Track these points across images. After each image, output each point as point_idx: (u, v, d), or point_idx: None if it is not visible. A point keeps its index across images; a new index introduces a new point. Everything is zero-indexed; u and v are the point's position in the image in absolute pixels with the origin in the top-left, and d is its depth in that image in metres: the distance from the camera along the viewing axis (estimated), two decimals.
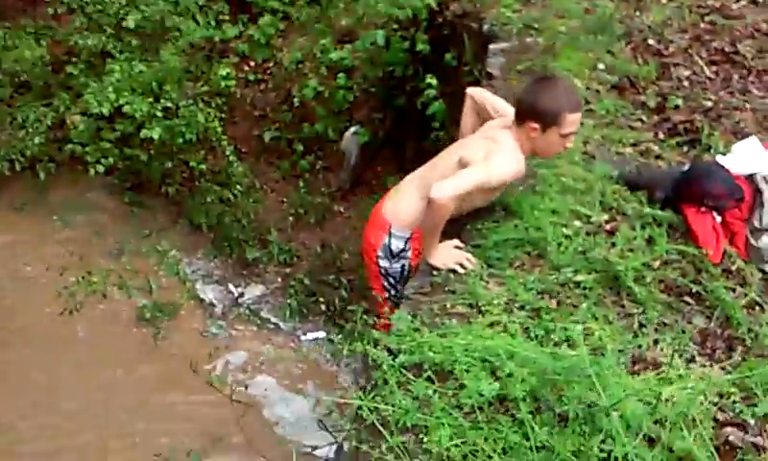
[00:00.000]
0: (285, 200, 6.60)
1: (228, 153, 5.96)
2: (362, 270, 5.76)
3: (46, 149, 5.78)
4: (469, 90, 3.31)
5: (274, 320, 5.51)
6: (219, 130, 5.91)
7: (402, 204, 3.10)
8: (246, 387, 3.97)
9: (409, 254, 3.12)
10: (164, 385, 4.62)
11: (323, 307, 5.62)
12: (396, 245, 3.11)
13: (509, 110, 3.04)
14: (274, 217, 6.40)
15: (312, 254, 6.08)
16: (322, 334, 5.40)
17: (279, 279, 5.93)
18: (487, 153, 2.79)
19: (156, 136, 5.41)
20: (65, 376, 4.60)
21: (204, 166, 6.13)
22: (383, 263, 3.17)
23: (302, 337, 5.35)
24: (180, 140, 5.76)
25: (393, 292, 3.21)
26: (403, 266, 3.15)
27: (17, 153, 5.60)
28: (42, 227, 5.76)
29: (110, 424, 4.32)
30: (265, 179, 6.75)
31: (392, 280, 3.20)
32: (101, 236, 5.79)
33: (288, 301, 5.59)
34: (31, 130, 5.59)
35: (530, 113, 2.76)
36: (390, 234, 3.11)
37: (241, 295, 5.68)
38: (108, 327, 4.98)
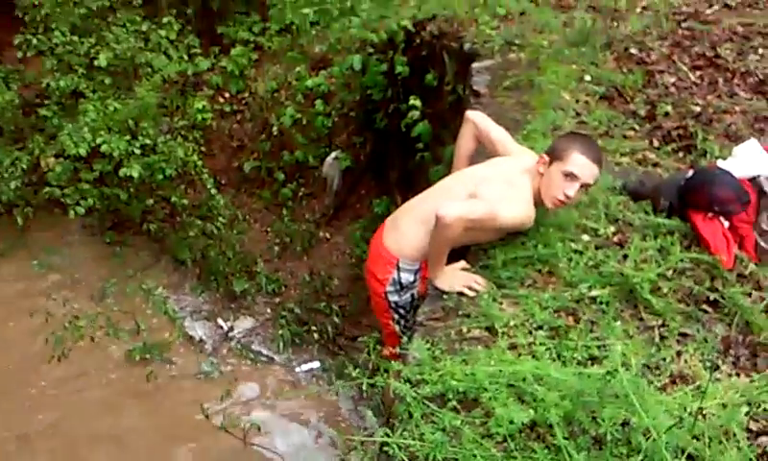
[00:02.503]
0: (269, 229, 6.54)
1: (208, 186, 5.88)
2: (352, 295, 5.74)
3: (22, 193, 5.65)
4: (470, 115, 3.24)
5: (266, 353, 5.41)
6: (199, 163, 5.83)
7: (407, 236, 2.99)
8: (259, 429, 3.83)
9: (417, 283, 3.05)
10: (167, 432, 4.47)
11: (315, 336, 5.52)
12: (407, 278, 3.03)
13: (512, 146, 3.05)
14: (259, 247, 6.33)
15: (300, 282, 6.00)
16: (316, 364, 5.31)
17: (269, 310, 5.83)
18: (501, 196, 2.74)
19: (135, 174, 5.31)
20: (63, 424, 4.44)
21: (185, 201, 6.03)
22: (393, 297, 3.08)
23: (297, 369, 5.24)
24: (160, 176, 5.67)
25: (402, 323, 3.13)
26: (412, 295, 3.07)
27: None
28: (23, 272, 5.63)
29: None
30: (247, 209, 6.69)
31: (402, 312, 3.12)
32: (84, 279, 5.66)
33: (280, 332, 5.49)
34: (6, 174, 5.47)
35: (547, 148, 2.79)
36: (398, 268, 3.02)
37: (231, 329, 5.57)
38: (98, 372, 4.83)
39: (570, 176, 2.66)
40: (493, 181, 2.83)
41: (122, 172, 5.34)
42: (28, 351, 4.78)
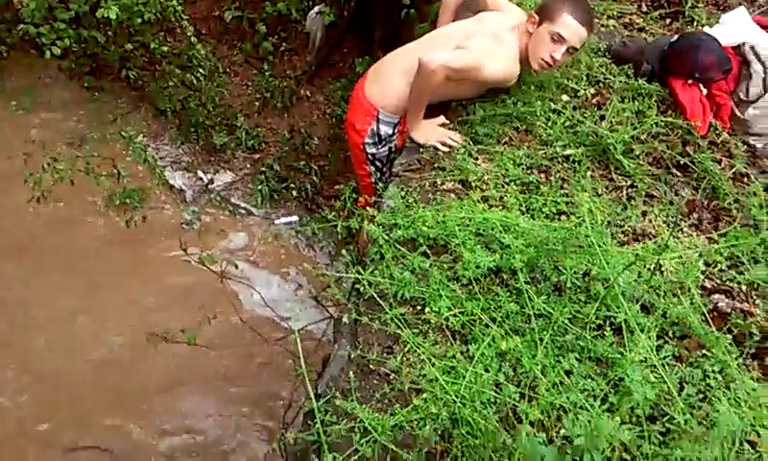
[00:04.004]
0: (250, 84, 6.42)
1: (188, 34, 5.68)
2: (331, 155, 5.75)
3: None
4: None
5: (244, 206, 5.46)
6: (179, 9, 5.61)
7: (390, 87, 2.96)
8: (236, 266, 3.93)
9: (396, 137, 3.06)
10: (148, 268, 4.57)
11: (294, 193, 5.56)
12: (385, 131, 3.03)
13: (502, 1, 2.99)
14: (239, 102, 6.24)
15: (280, 139, 5.96)
16: (295, 218, 5.37)
17: (248, 166, 5.83)
18: (488, 49, 2.71)
19: (113, 16, 5.08)
20: (46, 263, 4.52)
21: (164, 49, 5.85)
22: (370, 150, 3.10)
23: (276, 222, 5.32)
24: (139, 20, 5.45)
25: (378, 175, 3.17)
26: (390, 149, 3.09)
27: None
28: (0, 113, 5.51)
29: (99, 306, 4.28)
30: (228, 62, 6.54)
31: (378, 164, 3.15)
32: (62, 122, 5.57)
33: (259, 187, 5.51)
34: None
35: (537, 7, 2.73)
36: (378, 120, 3.02)
37: (211, 181, 5.58)
38: (79, 213, 4.86)
39: (558, 38, 2.64)
40: (480, 34, 2.79)
41: (99, 13, 5.11)
42: (7, 192, 4.78)
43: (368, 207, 2.84)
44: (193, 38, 5.69)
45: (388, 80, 2.99)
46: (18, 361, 3.96)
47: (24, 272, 4.45)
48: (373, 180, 3.17)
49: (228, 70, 6.42)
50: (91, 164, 4.57)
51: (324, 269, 4.73)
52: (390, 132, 3.05)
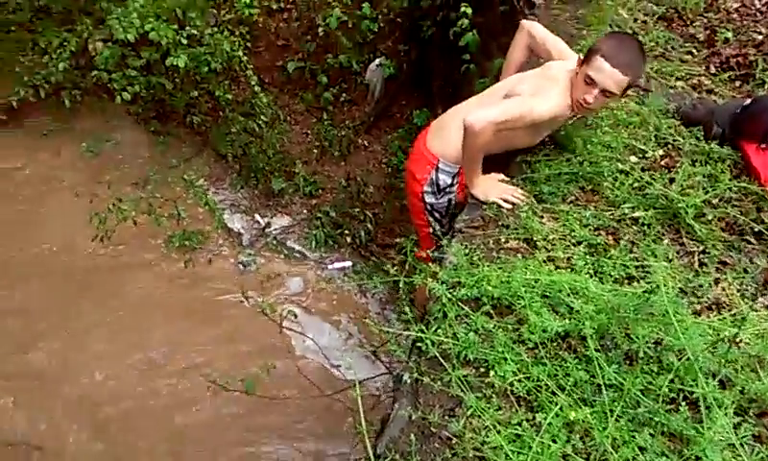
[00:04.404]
0: (309, 132, 6.54)
1: (252, 83, 5.84)
2: (386, 204, 5.77)
3: (70, 76, 5.69)
4: (526, 23, 3.14)
5: (299, 249, 5.51)
6: (244, 59, 5.79)
7: (450, 140, 2.97)
8: (295, 316, 3.96)
9: (455, 188, 3.05)
10: (205, 309, 4.64)
11: (348, 239, 5.60)
12: (444, 180, 3.04)
13: (569, 53, 2.95)
14: (298, 149, 6.35)
15: (337, 186, 6.04)
16: (348, 264, 5.40)
17: (305, 211, 5.91)
18: (536, 89, 2.70)
19: (181, 64, 5.28)
20: (104, 303, 4.62)
21: (228, 96, 6.01)
22: (429, 199, 3.11)
23: (330, 266, 5.35)
24: (206, 69, 5.65)
25: (437, 227, 3.16)
26: (449, 201, 3.09)
27: (41, 79, 5.50)
28: (69, 154, 5.73)
29: (159, 350, 4.36)
30: (289, 110, 6.67)
31: (437, 215, 3.14)
32: (127, 165, 5.76)
33: (314, 232, 5.57)
34: (54, 56, 5.47)
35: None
36: (437, 169, 3.03)
37: (268, 225, 5.66)
38: (140, 253, 4.98)
39: (590, 81, 2.59)
40: (531, 77, 2.79)
41: (168, 61, 5.32)
42: (73, 231, 4.93)
43: (426, 260, 2.84)
44: (257, 87, 5.84)
45: (449, 133, 3.01)
46: (78, 402, 4.02)
47: (85, 310, 4.56)
48: (431, 230, 3.16)
49: (288, 118, 6.55)
50: (153, 206, 4.69)
51: (376, 318, 4.72)
52: (449, 181, 3.05)
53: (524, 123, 2.69)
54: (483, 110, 2.65)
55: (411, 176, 3.16)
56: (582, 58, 2.69)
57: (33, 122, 5.97)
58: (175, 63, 5.32)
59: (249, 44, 6.22)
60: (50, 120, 5.98)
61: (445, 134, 3.03)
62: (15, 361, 4.19)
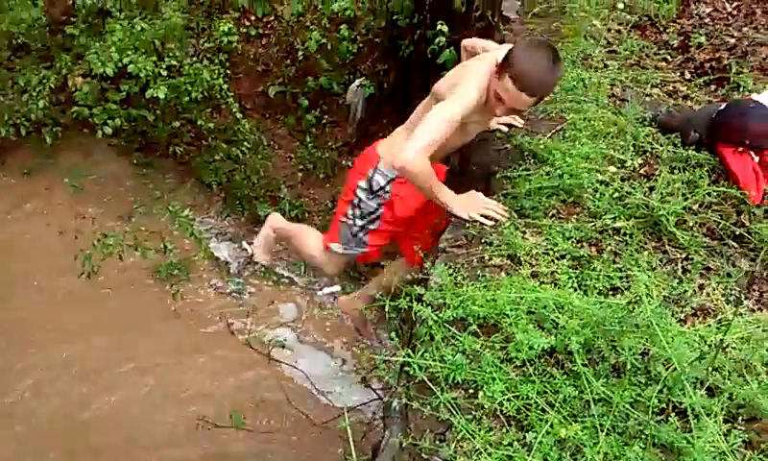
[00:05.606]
0: (293, 156, 6.54)
1: (234, 110, 5.85)
2: None
3: (51, 112, 5.69)
4: (464, 42, 3.18)
5: (288, 275, 5.49)
6: (224, 86, 5.81)
7: (394, 142, 3.00)
8: (283, 346, 3.93)
9: (387, 196, 3.05)
10: (193, 341, 4.60)
11: None
12: (378, 181, 3.03)
13: (495, 49, 2.94)
14: (282, 173, 6.34)
15: (323, 209, 6.03)
16: (337, 288, 5.38)
17: None
18: (452, 82, 2.71)
19: (162, 96, 5.29)
20: (92, 339, 4.58)
21: (210, 125, 6.02)
22: (360, 194, 3.10)
23: (319, 292, 5.33)
24: (186, 99, 5.66)
25: (351, 222, 3.17)
26: (376, 208, 3.09)
27: (21, 117, 5.50)
28: (52, 191, 5.71)
29: (145, 387, 4.31)
30: (271, 135, 6.67)
31: (358, 212, 3.13)
32: (111, 199, 5.74)
33: None
34: (34, 93, 5.47)
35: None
36: (375, 169, 3.03)
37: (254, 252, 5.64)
38: (127, 288, 4.95)
39: (498, 97, 2.60)
40: (450, 72, 2.82)
41: (148, 93, 5.32)
42: (58, 268, 4.89)
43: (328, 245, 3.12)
44: (238, 114, 5.85)
45: (395, 137, 3.06)
46: (70, 436, 3.97)
47: (73, 346, 4.51)
48: (344, 220, 3.18)
49: (271, 143, 6.54)
50: (139, 239, 4.67)
51: (368, 340, 4.69)
52: (382, 183, 3.03)
53: (453, 129, 2.64)
54: (408, 143, 2.61)
55: (354, 168, 3.20)
56: (498, 63, 2.62)
57: (14, 160, 5.94)
58: (155, 95, 5.32)
59: (228, 72, 6.23)
60: (32, 158, 5.95)
61: (394, 141, 3.05)
62: None
